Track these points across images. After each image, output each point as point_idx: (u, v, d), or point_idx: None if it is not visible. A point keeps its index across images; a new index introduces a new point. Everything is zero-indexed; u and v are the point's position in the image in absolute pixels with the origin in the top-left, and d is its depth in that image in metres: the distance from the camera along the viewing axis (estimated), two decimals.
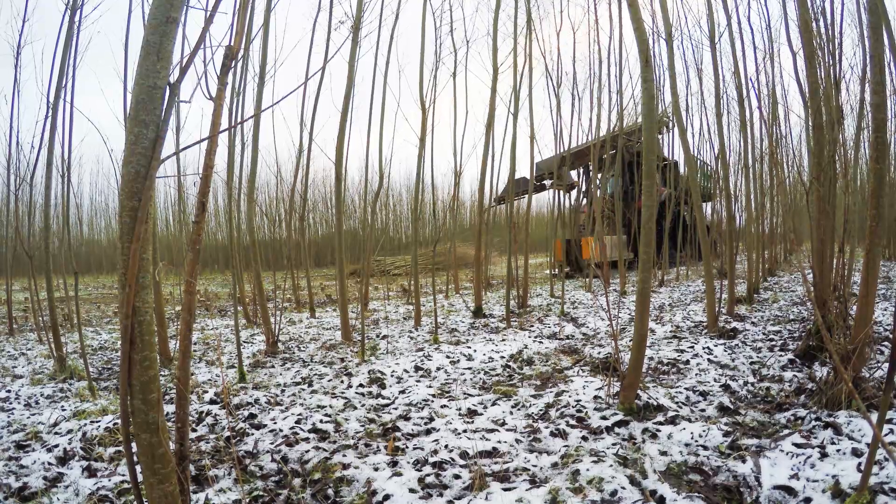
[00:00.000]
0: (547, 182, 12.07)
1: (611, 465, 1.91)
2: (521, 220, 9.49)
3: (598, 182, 10.42)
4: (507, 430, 2.42)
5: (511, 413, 2.67)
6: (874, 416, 1.54)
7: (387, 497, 1.80)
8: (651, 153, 2.59)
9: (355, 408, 2.84)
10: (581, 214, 12.65)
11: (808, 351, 3.36)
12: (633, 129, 10.64)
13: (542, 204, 23.80)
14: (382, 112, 6.26)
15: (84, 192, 27.41)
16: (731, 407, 2.59)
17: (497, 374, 3.59)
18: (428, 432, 2.43)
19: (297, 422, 2.53)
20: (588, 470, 1.88)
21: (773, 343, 4.01)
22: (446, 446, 2.20)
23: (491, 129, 5.93)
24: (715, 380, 3.09)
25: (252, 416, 2.68)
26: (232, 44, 1.41)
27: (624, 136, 10.06)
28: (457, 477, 1.93)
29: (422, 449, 2.20)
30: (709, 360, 3.58)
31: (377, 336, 5.26)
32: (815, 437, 2.08)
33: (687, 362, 3.55)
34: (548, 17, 29.60)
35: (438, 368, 3.73)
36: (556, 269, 12.34)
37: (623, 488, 1.76)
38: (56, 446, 2.30)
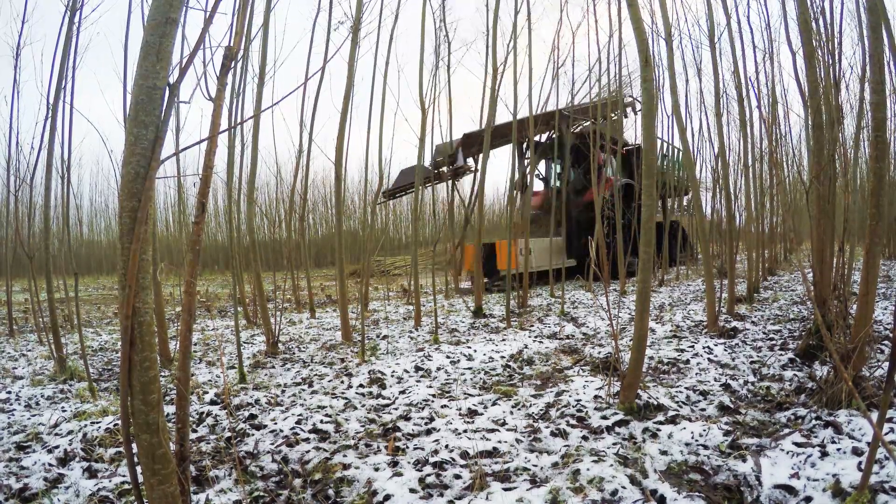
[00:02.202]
0: (446, 169, 9.77)
1: (611, 465, 1.91)
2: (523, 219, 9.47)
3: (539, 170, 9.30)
4: (508, 429, 2.42)
5: (511, 413, 2.67)
6: (874, 415, 1.54)
7: (387, 497, 1.80)
8: (651, 153, 2.59)
9: (356, 408, 2.84)
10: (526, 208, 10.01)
11: (809, 350, 3.36)
12: (579, 108, 9.01)
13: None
14: (382, 112, 6.26)
15: (84, 192, 27.42)
16: (732, 406, 2.59)
17: (497, 374, 3.59)
18: (428, 432, 2.43)
19: (298, 422, 2.53)
20: (588, 469, 1.88)
21: (774, 342, 4.01)
22: (447, 446, 2.20)
23: (489, 129, 5.94)
24: (715, 379, 3.09)
25: (252, 416, 2.68)
26: (231, 44, 1.41)
27: (568, 113, 8.66)
28: (457, 477, 1.93)
29: (422, 449, 2.20)
30: (709, 359, 3.58)
31: (377, 336, 5.26)
32: (816, 437, 2.08)
33: (687, 362, 3.55)
34: (547, 17, 29.63)
35: (439, 368, 3.73)
36: (468, 281, 9.86)
37: (623, 488, 1.76)
38: (56, 447, 2.30)
